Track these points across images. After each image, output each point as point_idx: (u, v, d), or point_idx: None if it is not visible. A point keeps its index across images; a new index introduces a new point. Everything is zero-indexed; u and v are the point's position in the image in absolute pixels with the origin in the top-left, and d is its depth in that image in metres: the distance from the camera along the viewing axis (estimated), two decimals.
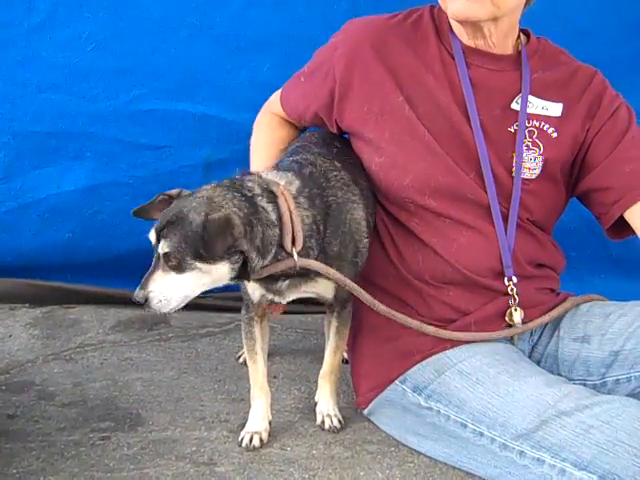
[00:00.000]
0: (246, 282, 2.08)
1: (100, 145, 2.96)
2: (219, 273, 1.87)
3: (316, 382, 2.36)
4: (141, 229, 2.99)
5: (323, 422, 2.26)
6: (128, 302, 3.03)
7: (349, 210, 2.08)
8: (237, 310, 2.94)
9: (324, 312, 2.31)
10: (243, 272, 1.89)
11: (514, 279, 2.14)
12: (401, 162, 2.15)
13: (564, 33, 2.47)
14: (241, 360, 2.65)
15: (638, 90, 2.50)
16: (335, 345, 2.22)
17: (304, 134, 2.45)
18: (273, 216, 1.91)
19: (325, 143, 2.25)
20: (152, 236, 1.87)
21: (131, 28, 2.84)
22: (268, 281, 2.03)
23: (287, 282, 2.03)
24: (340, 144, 2.26)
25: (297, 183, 2.01)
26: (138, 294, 1.85)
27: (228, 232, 1.81)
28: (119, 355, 2.72)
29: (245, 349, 2.23)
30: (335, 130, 2.29)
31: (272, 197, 1.93)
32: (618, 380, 2.06)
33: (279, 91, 2.44)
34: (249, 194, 1.91)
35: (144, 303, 1.85)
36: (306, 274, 2.02)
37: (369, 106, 2.18)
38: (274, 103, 2.44)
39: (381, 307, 2.06)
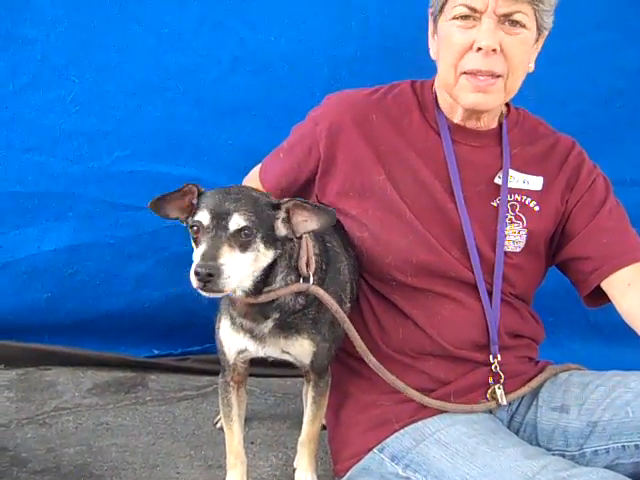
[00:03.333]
0: (227, 330, 2.07)
1: (82, 205, 2.97)
2: (264, 261, 1.87)
3: (294, 448, 2.34)
4: (121, 290, 3.05)
5: None
6: (105, 364, 3.08)
7: (341, 265, 2.12)
8: (215, 373, 2.91)
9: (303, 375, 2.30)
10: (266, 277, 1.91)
11: (498, 356, 2.15)
12: (383, 240, 2.16)
13: (542, 102, 2.52)
14: (219, 425, 2.61)
15: (613, 158, 2.56)
16: (312, 415, 2.19)
17: None
18: None
19: None
20: (206, 216, 1.82)
21: (114, 91, 2.87)
22: (256, 319, 2.00)
23: (271, 325, 2.00)
24: None
25: None
26: (207, 264, 1.74)
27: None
28: (94, 419, 2.67)
29: (221, 415, 2.20)
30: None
31: None
32: (596, 451, 2.05)
33: (257, 168, 2.44)
34: None
35: (210, 278, 1.74)
36: (293, 326, 2.02)
37: (350, 183, 2.20)
38: (252, 180, 2.43)
39: (372, 360, 2.06)
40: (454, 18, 2.06)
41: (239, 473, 2.16)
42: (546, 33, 2.15)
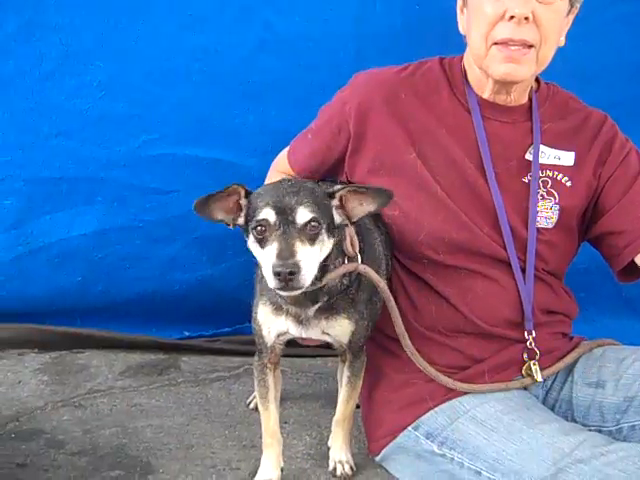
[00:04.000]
0: (267, 314, 2.05)
1: (110, 190, 2.98)
2: (326, 252, 1.86)
3: (327, 427, 2.35)
4: (151, 273, 3.06)
5: (335, 469, 2.24)
6: (137, 346, 3.10)
7: (375, 242, 2.13)
8: (247, 354, 2.97)
9: (335, 355, 2.30)
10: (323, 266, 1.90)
11: (533, 333, 2.14)
12: (414, 218, 2.15)
13: (572, 77, 2.49)
14: (251, 406, 2.64)
15: None
16: (347, 395, 2.20)
17: None
18: None
19: None
20: (270, 212, 1.80)
21: (141, 75, 2.86)
22: (304, 305, 1.99)
23: (315, 308, 1.99)
24: None
25: None
26: (287, 263, 1.72)
27: None
28: (128, 401, 2.70)
29: (257, 397, 2.21)
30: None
31: None
32: (634, 426, 2.04)
33: (285, 151, 2.44)
34: None
35: (292, 277, 1.72)
36: (334, 307, 2.01)
37: (381, 162, 2.19)
38: (281, 163, 2.44)
39: (408, 343, 2.06)
40: None
41: (275, 452, 2.18)
42: (578, 6, 2.12)
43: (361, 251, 2.03)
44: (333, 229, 1.88)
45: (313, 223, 1.80)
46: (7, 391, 2.75)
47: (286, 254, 1.74)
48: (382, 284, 2.01)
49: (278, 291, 1.80)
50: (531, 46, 2.03)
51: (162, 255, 3.06)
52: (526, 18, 1.99)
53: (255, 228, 1.82)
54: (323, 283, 1.93)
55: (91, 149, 2.93)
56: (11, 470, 2.23)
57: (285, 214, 1.80)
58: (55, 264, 3.04)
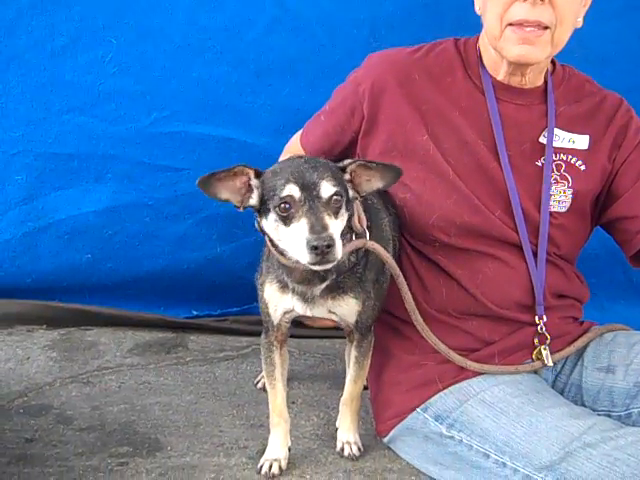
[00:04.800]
0: (273, 291, 2.05)
1: (121, 167, 2.98)
2: (343, 225, 1.85)
3: (335, 408, 2.35)
4: (160, 250, 3.06)
5: (342, 449, 2.24)
6: (145, 324, 3.11)
7: (382, 222, 2.12)
8: (255, 334, 2.97)
9: (342, 337, 2.29)
10: None
11: (544, 317, 2.13)
12: (426, 200, 2.14)
13: (587, 60, 2.47)
14: (259, 385, 2.64)
15: None
16: (355, 375, 2.20)
17: None
18: None
19: None
20: (294, 189, 1.78)
21: (153, 52, 2.85)
22: (312, 283, 1.98)
23: (323, 286, 1.99)
24: None
25: None
26: (322, 236, 1.71)
27: None
28: (137, 379, 2.71)
29: (264, 375, 2.22)
30: None
31: None
32: None
33: (298, 133, 2.42)
34: None
35: (329, 250, 1.72)
36: (341, 286, 2.01)
37: (393, 143, 2.17)
38: (294, 145, 2.42)
39: (419, 319, 2.05)
40: None
41: (282, 431, 2.18)
42: None
43: (369, 229, 2.02)
44: (349, 202, 1.88)
45: (336, 197, 1.81)
46: (16, 367, 2.76)
47: (319, 228, 1.74)
48: (390, 260, 2.01)
49: (313, 266, 1.77)
50: (546, 27, 2.00)
51: (172, 233, 3.06)
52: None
53: (279, 206, 1.80)
54: None
55: (102, 126, 2.92)
56: (20, 445, 2.25)
57: (309, 189, 1.79)
58: (65, 240, 3.04)
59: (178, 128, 2.93)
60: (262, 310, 2.14)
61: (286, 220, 1.80)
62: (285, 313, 2.09)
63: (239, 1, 2.82)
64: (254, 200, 1.89)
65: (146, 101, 2.90)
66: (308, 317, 2.09)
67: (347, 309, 2.05)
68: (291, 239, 1.80)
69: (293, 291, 2.02)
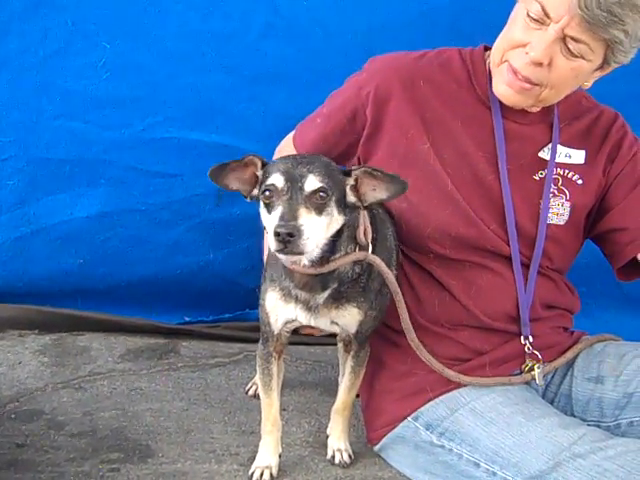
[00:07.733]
0: (276, 300, 2.05)
1: (113, 172, 2.97)
2: (334, 227, 1.86)
3: (326, 415, 2.35)
4: (153, 256, 3.06)
5: (333, 457, 2.25)
6: (137, 330, 3.10)
7: (387, 232, 2.12)
8: (246, 340, 2.99)
9: (333, 344, 2.29)
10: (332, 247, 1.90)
11: (530, 338, 2.14)
12: (422, 212, 2.14)
13: None
14: (251, 392, 2.64)
15: None
16: (350, 384, 2.20)
17: None
18: None
19: None
20: (279, 178, 1.81)
21: (146, 57, 2.85)
22: (314, 290, 1.98)
23: (326, 296, 1.99)
24: None
25: None
26: (287, 224, 1.73)
27: None
28: (128, 384, 2.70)
29: (260, 385, 2.21)
30: None
31: None
32: (632, 422, 2.05)
33: (289, 136, 2.41)
34: None
35: (290, 239, 1.72)
36: (344, 296, 2.01)
37: (394, 149, 2.17)
38: (285, 148, 2.40)
39: (414, 338, 2.04)
40: (528, 15, 1.96)
41: (274, 439, 2.18)
42: (615, 66, 2.05)
43: (374, 241, 2.02)
44: (345, 206, 1.88)
45: (321, 193, 1.80)
46: (7, 372, 2.75)
47: (288, 217, 1.75)
48: (390, 276, 2.00)
49: (278, 254, 1.80)
50: (537, 84, 2.01)
51: (164, 239, 3.05)
52: (540, 63, 1.96)
53: (263, 193, 1.83)
54: (332, 266, 1.92)
55: (95, 131, 2.91)
56: (11, 450, 2.24)
57: (294, 181, 1.80)
58: (57, 246, 3.03)
59: (171, 134, 2.93)
60: (262, 320, 2.13)
61: (269, 207, 1.82)
62: (286, 323, 2.08)
63: (233, 7, 2.81)
64: (257, 190, 1.91)
65: (139, 106, 2.89)
66: (304, 326, 2.09)
67: (349, 319, 2.06)
68: (269, 227, 1.81)
69: (296, 299, 2.02)
